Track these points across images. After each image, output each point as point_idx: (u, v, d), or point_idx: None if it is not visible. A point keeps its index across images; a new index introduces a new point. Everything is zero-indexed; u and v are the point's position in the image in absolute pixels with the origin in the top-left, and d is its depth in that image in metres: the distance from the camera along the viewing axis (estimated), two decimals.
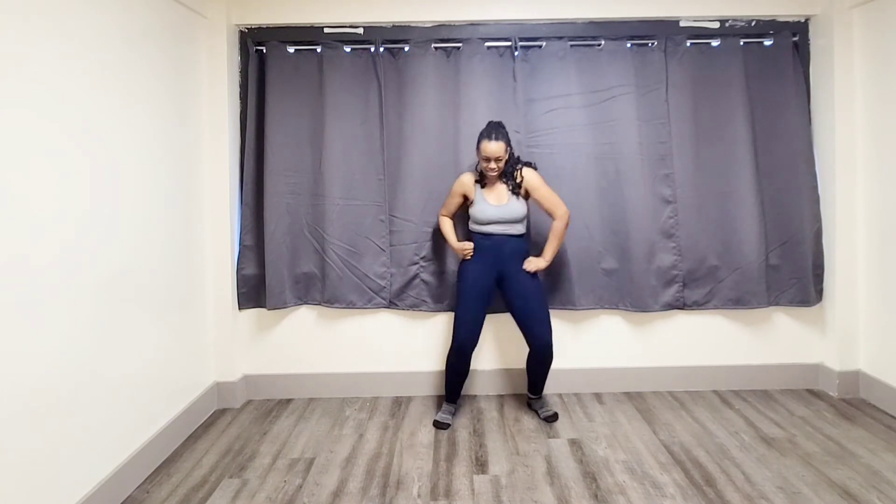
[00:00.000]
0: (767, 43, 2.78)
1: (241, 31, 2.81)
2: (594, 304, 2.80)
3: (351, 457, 2.26)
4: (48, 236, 1.66)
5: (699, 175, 2.78)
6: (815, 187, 2.79)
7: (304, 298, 2.85)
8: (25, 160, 1.57)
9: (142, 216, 2.15)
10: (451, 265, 2.79)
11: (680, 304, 2.78)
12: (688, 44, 2.76)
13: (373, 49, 2.76)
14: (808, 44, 2.83)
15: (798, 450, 2.23)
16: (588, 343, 2.88)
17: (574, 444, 2.33)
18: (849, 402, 2.70)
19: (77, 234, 1.78)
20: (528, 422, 2.55)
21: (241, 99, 2.81)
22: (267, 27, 2.79)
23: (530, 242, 2.61)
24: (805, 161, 2.78)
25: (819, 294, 2.83)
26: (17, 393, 1.54)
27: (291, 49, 2.77)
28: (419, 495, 1.98)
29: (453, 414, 2.59)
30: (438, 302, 2.82)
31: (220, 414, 2.69)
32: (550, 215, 2.48)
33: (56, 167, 1.70)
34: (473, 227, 2.51)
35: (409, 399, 2.83)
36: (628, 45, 2.77)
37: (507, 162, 2.42)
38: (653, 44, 2.77)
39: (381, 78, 2.76)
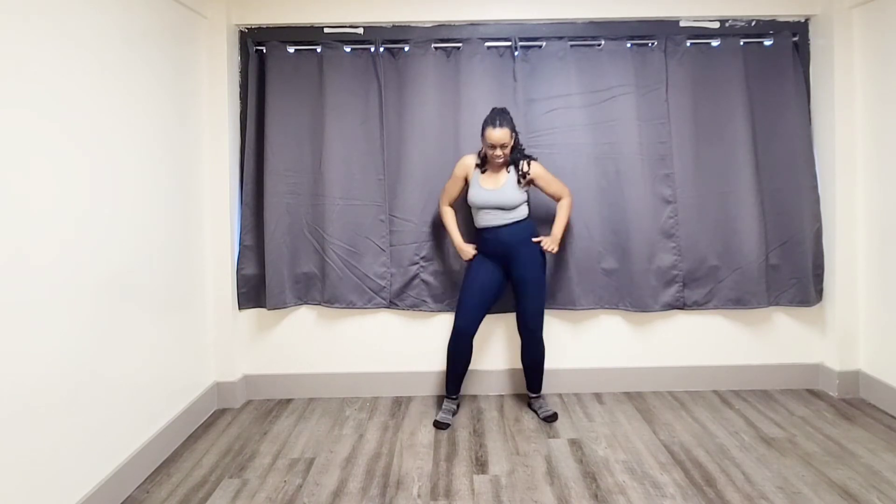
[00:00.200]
0: (767, 43, 2.78)
1: (241, 31, 2.81)
2: (594, 304, 2.80)
3: (351, 457, 2.26)
4: (48, 236, 1.66)
5: (699, 175, 2.78)
6: (815, 187, 2.79)
7: (304, 298, 2.85)
8: (25, 160, 1.57)
9: (142, 216, 2.15)
10: (452, 265, 2.79)
11: (680, 304, 2.78)
12: (688, 44, 2.76)
13: (373, 49, 2.76)
14: (808, 44, 2.83)
15: (798, 450, 2.23)
16: (588, 343, 2.88)
17: (574, 444, 2.33)
18: (849, 402, 2.70)
19: (77, 234, 1.78)
20: (528, 422, 2.55)
21: (241, 99, 2.81)
22: (267, 27, 2.79)
23: (538, 226, 2.56)
24: (805, 161, 2.78)
25: (819, 294, 2.83)
26: (17, 393, 1.54)
27: (291, 49, 2.77)
28: (419, 495, 1.98)
29: (453, 413, 2.59)
30: (438, 302, 2.82)
31: (220, 414, 2.69)
32: (557, 198, 2.52)
33: (56, 167, 1.70)
34: (475, 219, 2.51)
35: (409, 399, 2.83)
36: (628, 45, 2.77)
37: (512, 149, 2.43)
38: (653, 44, 2.77)
39: (381, 78, 2.76)
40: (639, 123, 2.75)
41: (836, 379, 2.75)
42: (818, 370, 2.86)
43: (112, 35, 1.98)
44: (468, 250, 2.54)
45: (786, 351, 2.87)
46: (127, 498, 1.99)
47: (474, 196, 2.46)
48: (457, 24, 2.79)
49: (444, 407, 2.60)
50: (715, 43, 2.79)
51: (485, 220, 2.45)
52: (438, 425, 2.50)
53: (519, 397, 2.83)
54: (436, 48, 2.77)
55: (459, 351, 2.54)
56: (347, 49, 2.77)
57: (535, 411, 2.62)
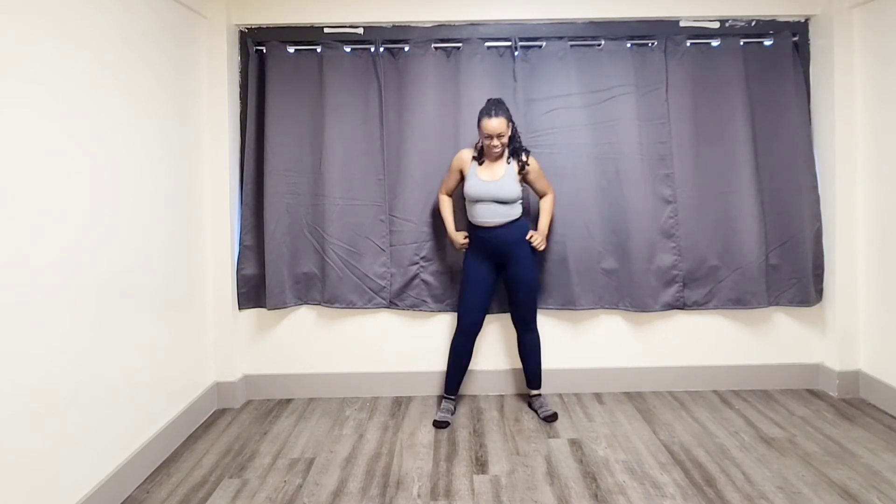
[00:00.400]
0: (767, 43, 2.78)
1: (241, 31, 2.81)
2: (594, 303, 2.80)
3: (351, 457, 2.26)
4: (48, 236, 1.66)
5: (699, 175, 2.78)
6: (815, 187, 2.79)
7: (304, 298, 2.85)
8: (25, 160, 1.57)
9: (142, 216, 2.15)
10: (452, 265, 2.80)
11: (680, 304, 2.78)
12: (688, 44, 2.76)
13: (373, 49, 2.76)
14: (808, 44, 2.83)
15: (798, 450, 2.23)
16: (588, 343, 2.88)
17: (574, 443, 2.33)
18: (849, 402, 2.70)
19: (77, 234, 1.78)
20: (528, 422, 2.55)
21: (241, 99, 2.81)
22: (267, 27, 2.79)
23: (531, 225, 2.58)
24: (805, 161, 2.78)
25: (819, 294, 2.83)
26: (17, 393, 1.54)
27: (291, 49, 2.77)
28: (419, 495, 1.98)
29: (452, 412, 2.59)
30: (438, 302, 2.82)
31: (220, 414, 2.69)
32: (543, 194, 2.57)
33: (56, 167, 1.70)
34: (471, 214, 2.49)
35: (409, 399, 2.83)
36: (628, 45, 2.77)
37: (510, 140, 2.42)
38: (653, 44, 2.77)
39: (381, 78, 2.76)
40: (639, 123, 2.75)
41: (836, 379, 2.75)
42: (818, 370, 2.86)
43: (112, 35, 1.98)
44: (459, 239, 2.57)
45: (786, 351, 2.87)
46: (127, 498, 1.99)
47: (471, 188, 2.44)
48: (457, 24, 2.79)
49: (442, 406, 2.60)
50: (715, 43, 2.79)
51: (481, 215, 2.43)
52: (438, 424, 2.50)
53: (519, 397, 2.83)
54: (436, 48, 2.77)
55: (464, 350, 2.55)
56: (347, 49, 2.77)
57: (535, 411, 2.62)
